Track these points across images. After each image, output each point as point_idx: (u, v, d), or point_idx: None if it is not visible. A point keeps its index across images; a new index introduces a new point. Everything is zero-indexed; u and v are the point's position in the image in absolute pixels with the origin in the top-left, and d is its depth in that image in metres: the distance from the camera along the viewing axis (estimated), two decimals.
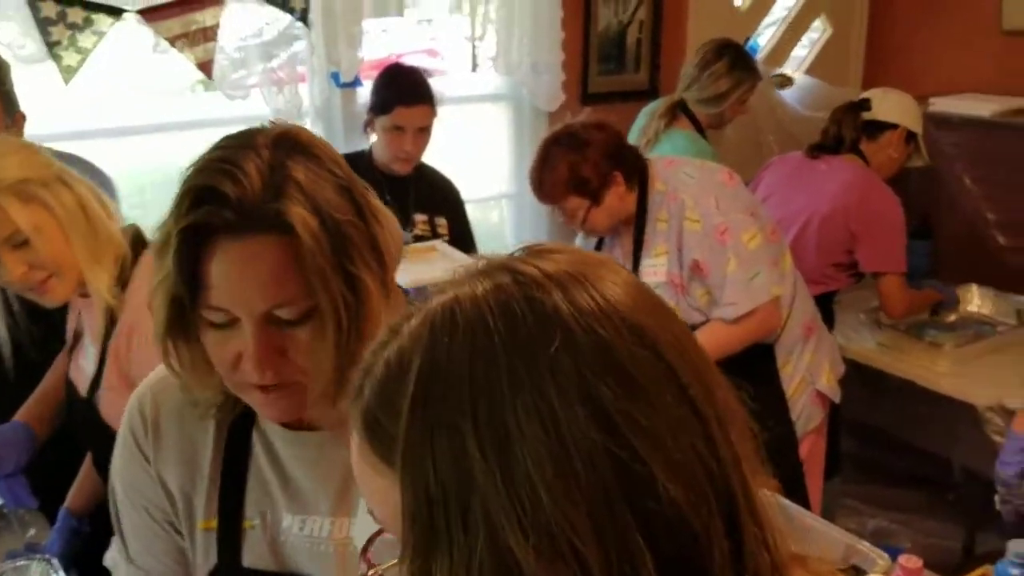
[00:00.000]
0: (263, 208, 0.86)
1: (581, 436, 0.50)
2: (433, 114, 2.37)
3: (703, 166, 2.16)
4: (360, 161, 2.43)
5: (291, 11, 2.53)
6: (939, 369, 2.60)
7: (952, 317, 2.81)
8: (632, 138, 2.99)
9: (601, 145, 2.08)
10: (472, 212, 3.48)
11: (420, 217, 2.42)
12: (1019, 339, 2.71)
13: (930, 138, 3.07)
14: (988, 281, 3.00)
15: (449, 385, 0.52)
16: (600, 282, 0.55)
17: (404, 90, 2.34)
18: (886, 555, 1.54)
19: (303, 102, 2.63)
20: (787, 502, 1.78)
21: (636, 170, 2.11)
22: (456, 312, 0.54)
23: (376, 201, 0.98)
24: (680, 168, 2.14)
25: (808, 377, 2.17)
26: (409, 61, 7.89)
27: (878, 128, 2.59)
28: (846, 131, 2.57)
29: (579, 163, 2.06)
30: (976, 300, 3.01)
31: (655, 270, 2.08)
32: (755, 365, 2.09)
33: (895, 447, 3.44)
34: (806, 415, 2.18)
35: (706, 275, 2.04)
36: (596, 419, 0.51)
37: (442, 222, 2.44)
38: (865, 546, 1.60)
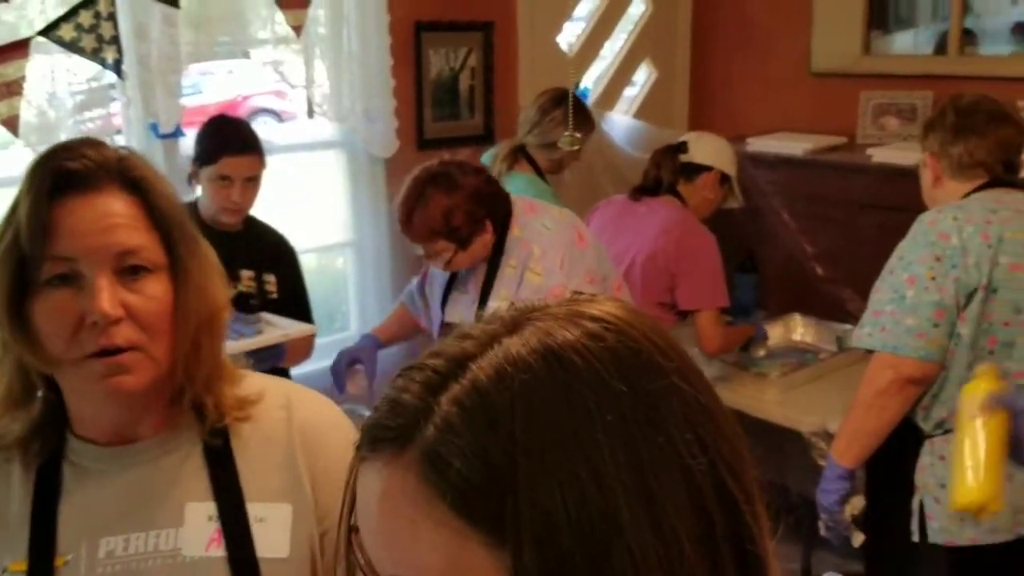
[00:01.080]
0: (113, 166, 0.94)
1: (703, 479, 0.51)
2: (262, 164, 2.30)
3: (562, 220, 2.16)
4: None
5: (103, 62, 2.41)
6: (767, 398, 2.70)
7: (761, 352, 2.92)
8: None
9: (474, 191, 2.05)
10: (314, 261, 3.42)
11: (247, 273, 2.33)
12: (840, 364, 2.86)
13: (748, 176, 3.23)
14: (810, 310, 3.16)
15: (574, 432, 0.50)
16: (655, 330, 0.56)
17: (231, 139, 2.26)
18: None
19: None
20: None
21: (503, 215, 2.11)
22: (556, 354, 0.52)
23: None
24: (540, 217, 2.14)
25: None
26: (256, 102, 7.75)
27: (694, 170, 2.69)
28: (664, 173, 2.66)
29: (452, 210, 2.03)
30: (800, 329, 3.17)
31: None
32: None
33: None
34: None
35: None
36: (713, 464, 0.52)
37: (270, 279, 2.36)
38: None
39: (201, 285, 0.99)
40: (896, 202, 2.30)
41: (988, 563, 1.86)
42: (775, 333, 3.04)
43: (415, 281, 2.42)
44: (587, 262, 2.11)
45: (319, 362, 3.22)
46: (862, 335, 1.89)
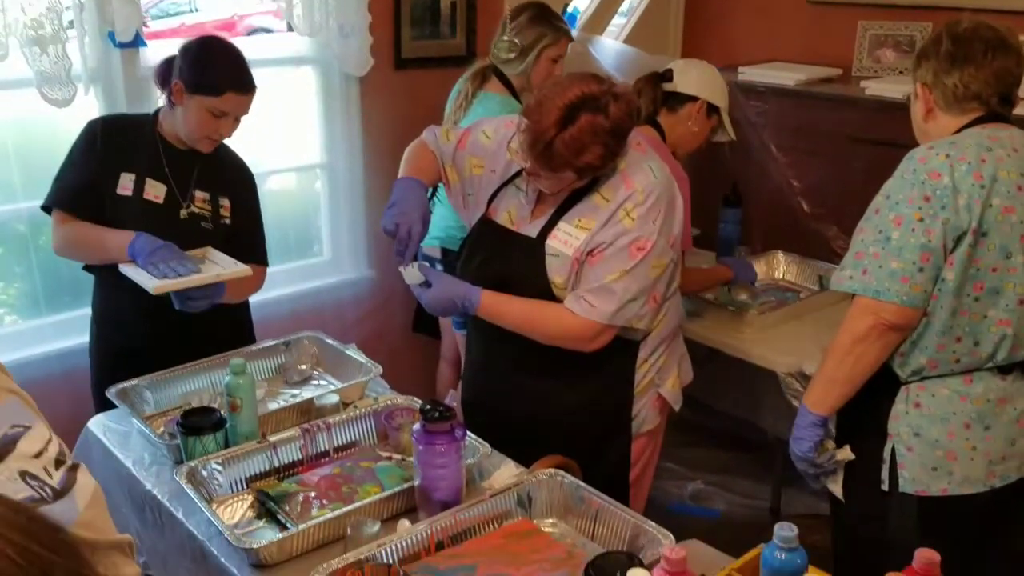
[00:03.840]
0: None
1: None
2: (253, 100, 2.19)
3: (665, 171, 1.96)
4: (143, 128, 2.22)
5: None
6: (743, 336, 2.64)
7: (744, 295, 2.83)
8: (450, 103, 2.91)
9: (621, 130, 1.83)
10: (286, 183, 3.31)
11: (201, 194, 2.23)
12: (820, 304, 2.79)
13: (737, 106, 3.11)
14: (793, 248, 3.08)
15: None
16: None
17: (240, 76, 2.12)
18: (670, 535, 1.53)
19: (72, 64, 2.38)
20: (580, 483, 1.76)
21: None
22: None
23: None
24: (647, 158, 1.95)
25: (656, 379, 2.12)
26: (253, 21, 7.52)
27: (678, 100, 2.55)
28: (644, 102, 2.52)
29: (605, 157, 1.83)
30: (782, 267, 3.09)
31: (568, 240, 1.93)
32: (615, 358, 2.02)
33: (711, 413, 3.52)
34: (643, 416, 2.13)
35: (591, 264, 1.91)
36: None
37: (225, 203, 2.26)
38: (651, 526, 1.58)
39: None
40: (888, 137, 2.20)
41: (959, 514, 1.81)
42: (756, 270, 2.95)
43: (437, 131, 2.15)
44: (676, 225, 1.96)
45: (285, 288, 3.16)
46: (843, 278, 1.81)
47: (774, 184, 3.18)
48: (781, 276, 3.07)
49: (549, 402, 2.04)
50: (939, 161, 1.71)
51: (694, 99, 2.54)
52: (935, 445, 1.78)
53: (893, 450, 1.82)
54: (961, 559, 1.69)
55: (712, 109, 2.57)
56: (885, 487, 1.83)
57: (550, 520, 1.74)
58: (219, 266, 2.13)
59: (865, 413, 1.87)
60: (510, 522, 1.69)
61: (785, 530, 1.24)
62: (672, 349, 2.15)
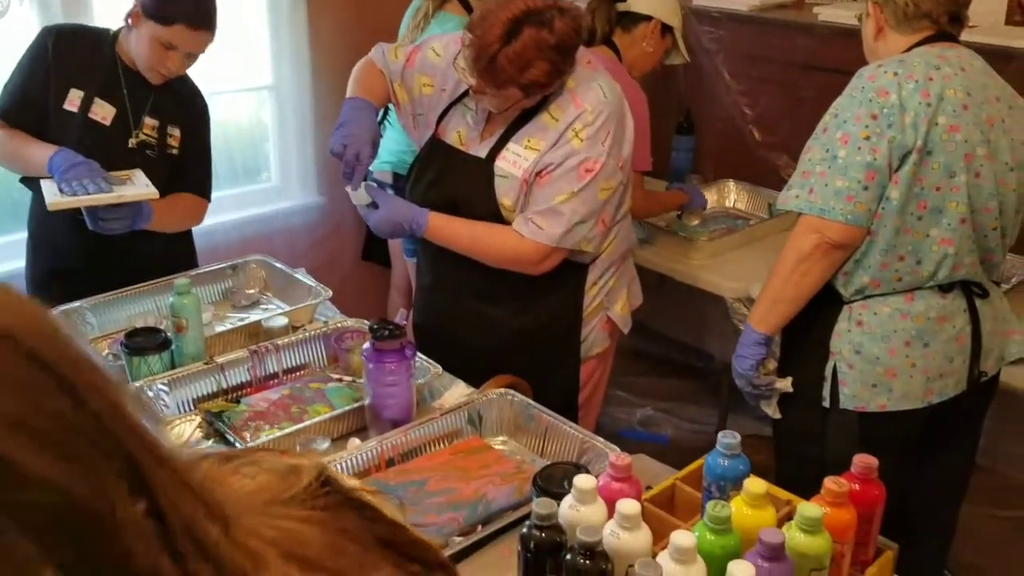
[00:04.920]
0: None
1: None
2: (211, 41, 2.08)
3: (615, 90, 1.93)
4: (101, 45, 2.11)
5: None
6: (693, 262, 2.66)
7: (695, 221, 2.84)
8: (406, 21, 2.84)
9: (567, 46, 1.80)
10: (233, 105, 3.22)
11: (151, 121, 2.15)
12: (769, 231, 2.82)
13: (691, 31, 3.09)
14: (745, 176, 3.09)
15: None
16: None
17: (192, 9, 2.00)
18: (616, 448, 1.55)
19: None
20: (529, 401, 1.77)
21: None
22: None
23: None
24: (597, 77, 1.92)
25: (605, 302, 2.11)
26: None
27: (633, 20, 2.53)
28: (599, 22, 2.50)
29: (551, 74, 1.79)
30: (733, 195, 3.11)
31: (516, 161, 1.90)
32: (564, 280, 2.01)
33: (662, 341, 3.57)
34: (592, 338, 2.13)
35: (540, 186, 1.89)
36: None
37: (175, 132, 2.18)
38: (599, 442, 1.61)
39: None
40: (840, 64, 2.19)
41: (897, 430, 1.86)
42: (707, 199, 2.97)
43: (385, 49, 2.09)
44: (625, 146, 1.95)
45: (233, 214, 3.10)
46: (789, 197, 1.82)
47: (726, 112, 3.17)
48: (732, 204, 3.09)
49: (499, 325, 2.04)
50: (887, 79, 1.72)
51: (648, 19, 2.52)
52: (876, 363, 1.82)
53: (835, 368, 1.86)
54: (898, 473, 1.74)
55: (666, 29, 2.55)
56: (826, 404, 1.87)
57: (500, 438, 1.75)
58: (130, 190, 2.04)
59: (808, 332, 1.90)
60: (460, 440, 1.70)
61: (728, 437, 1.27)
62: (621, 272, 2.15)
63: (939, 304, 1.81)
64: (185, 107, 2.22)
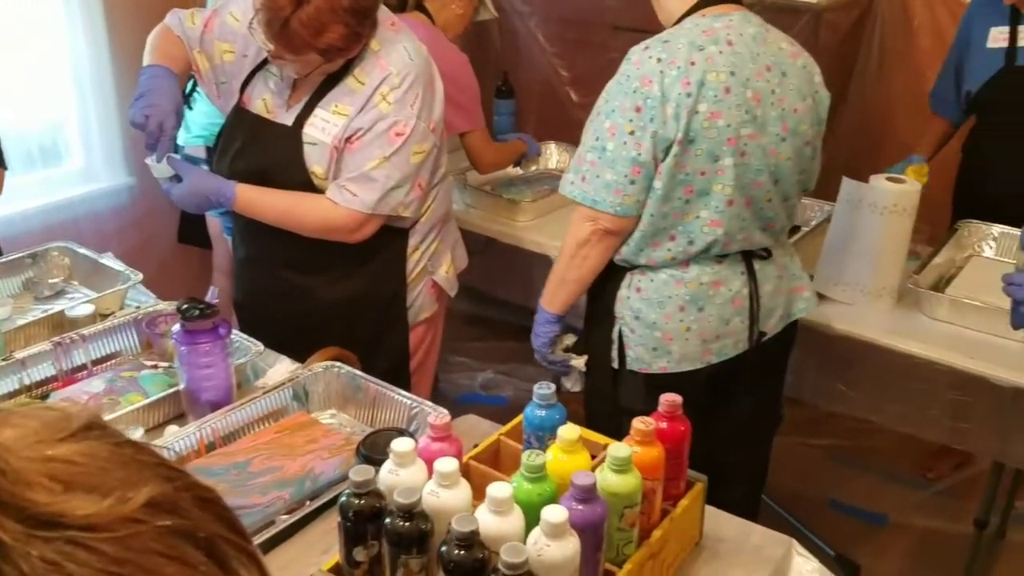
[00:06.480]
0: None
1: None
2: None
3: (421, 52, 1.90)
4: None
5: None
6: (518, 223, 2.70)
7: (534, 167, 2.90)
8: None
9: (362, 8, 1.75)
10: (26, 83, 2.98)
11: None
12: None
13: None
14: (565, 137, 3.14)
15: None
16: None
17: None
18: (444, 410, 1.55)
19: None
20: (356, 372, 1.75)
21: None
22: None
23: None
24: (401, 39, 1.87)
25: (429, 266, 2.10)
26: None
27: None
28: None
29: (348, 37, 1.74)
30: (555, 156, 3.16)
31: (325, 127, 1.85)
32: (384, 247, 1.99)
33: (495, 304, 3.61)
34: (420, 304, 2.11)
35: (350, 152, 1.85)
36: None
37: None
38: (428, 406, 1.61)
39: None
40: (648, 25, 2.25)
41: (680, 389, 1.90)
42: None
43: (181, 15, 2.00)
44: (436, 108, 1.92)
45: (33, 201, 2.89)
46: (566, 183, 1.86)
47: (543, 74, 3.22)
48: (555, 165, 3.14)
49: (320, 296, 2.00)
50: (651, 66, 1.72)
51: None
52: (653, 327, 1.87)
53: (620, 332, 1.92)
54: (697, 424, 1.81)
55: None
56: (615, 366, 1.94)
57: (329, 411, 1.73)
58: None
59: (598, 299, 1.96)
60: (286, 418, 1.66)
61: (543, 388, 1.30)
62: (444, 235, 2.15)
63: (713, 269, 1.85)
64: None
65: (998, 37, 2.44)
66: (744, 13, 1.83)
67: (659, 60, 1.73)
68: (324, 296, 2.01)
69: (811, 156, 1.89)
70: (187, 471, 0.51)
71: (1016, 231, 2.28)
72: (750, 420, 2.08)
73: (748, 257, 1.89)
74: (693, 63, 1.72)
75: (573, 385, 2.06)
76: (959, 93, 2.57)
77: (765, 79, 1.77)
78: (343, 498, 1.14)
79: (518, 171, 2.99)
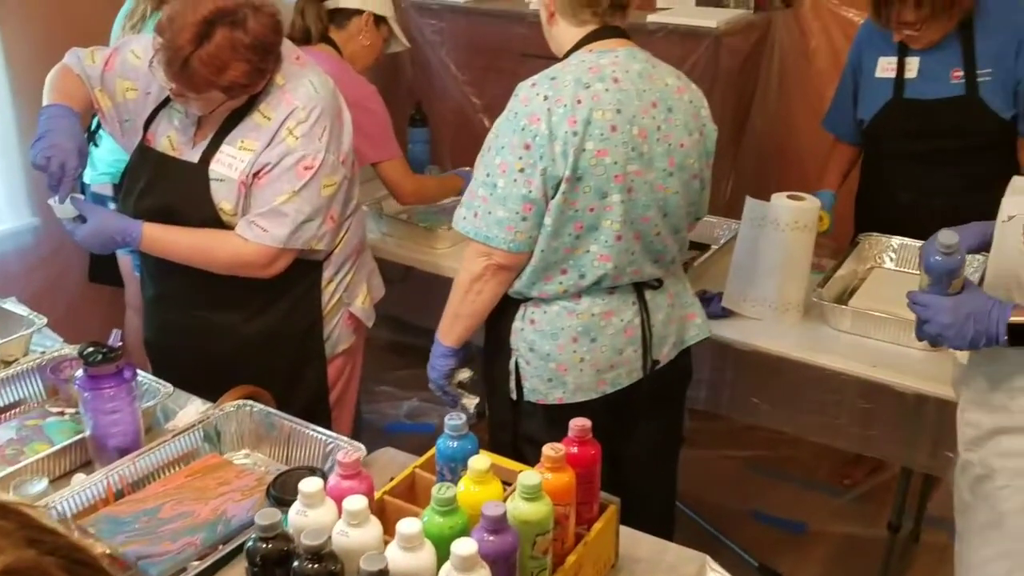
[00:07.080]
0: None
1: None
2: None
3: (327, 85, 1.89)
4: None
5: None
6: (436, 251, 2.70)
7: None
8: (119, 22, 2.66)
9: (264, 44, 1.75)
10: None
11: None
12: None
13: (414, 25, 3.12)
14: None
15: None
16: None
17: None
18: (361, 445, 1.55)
19: None
20: (270, 409, 1.72)
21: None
22: None
23: None
24: (307, 73, 1.87)
25: (345, 298, 2.08)
26: None
27: (344, 15, 2.52)
28: (310, 21, 2.47)
29: (251, 73, 1.74)
30: None
31: (232, 163, 1.83)
32: (297, 280, 1.97)
33: (417, 331, 3.60)
34: (336, 336, 2.10)
35: (259, 187, 1.83)
36: None
37: None
38: (344, 441, 1.60)
39: None
40: (548, 52, 2.29)
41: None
42: None
43: (80, 54, 1.97)
44: (344, 140, 1.92)
45: None
46: (458, 219, 1.86)
47: (456, 103, 3.24)
48: None
49: (234, 334, 1.98)
50: (538, 103, 1.73)
51: (359, 12, 2.53)
52: (548, 359, 1.88)
53: (517, 363, 1.92)
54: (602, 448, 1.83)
55: (380, 20, 2.57)
56: (514, 397, 1.95)
57: (243, 452, 1.70)
58: None
59: (495, 329, 1.97)
60: (198, 460, 1.63)
61: (454, 419, 1.30)
62: (359, 266, 2.15)
63: (604, 301, 1.86)
64: None
65: (886, 67, 2.46)
66: (630, 49, 1.83)
67: (546, 98, 1.74)
68: (238, 332, 1.98)
69: (699, 188, 1.92)
70: (63, 532, 0.50)
71: (915, 243, 2.37)
72: (654, 445, 2.09)
73: (640, 288, 1.90)
74: (579, 101, 1.72)
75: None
76: (855, 119, 2.61)
77: (651, 116, 1.77)
78: (249, 543, 1.13)
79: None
